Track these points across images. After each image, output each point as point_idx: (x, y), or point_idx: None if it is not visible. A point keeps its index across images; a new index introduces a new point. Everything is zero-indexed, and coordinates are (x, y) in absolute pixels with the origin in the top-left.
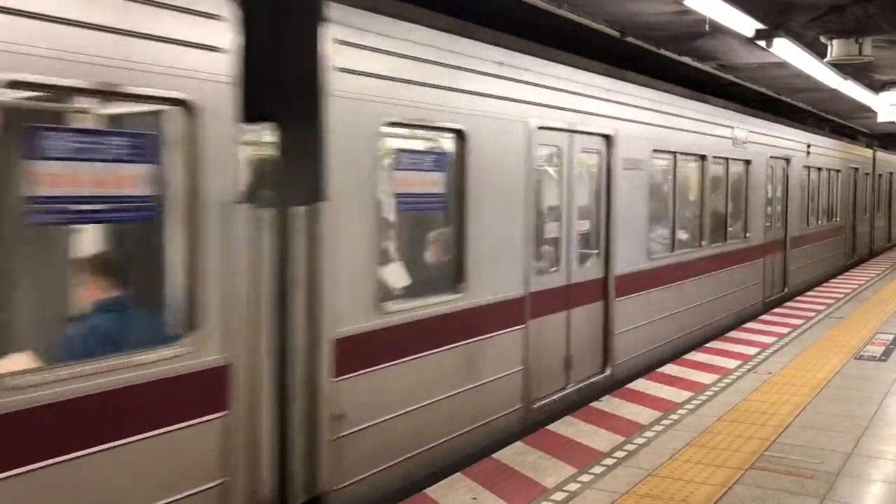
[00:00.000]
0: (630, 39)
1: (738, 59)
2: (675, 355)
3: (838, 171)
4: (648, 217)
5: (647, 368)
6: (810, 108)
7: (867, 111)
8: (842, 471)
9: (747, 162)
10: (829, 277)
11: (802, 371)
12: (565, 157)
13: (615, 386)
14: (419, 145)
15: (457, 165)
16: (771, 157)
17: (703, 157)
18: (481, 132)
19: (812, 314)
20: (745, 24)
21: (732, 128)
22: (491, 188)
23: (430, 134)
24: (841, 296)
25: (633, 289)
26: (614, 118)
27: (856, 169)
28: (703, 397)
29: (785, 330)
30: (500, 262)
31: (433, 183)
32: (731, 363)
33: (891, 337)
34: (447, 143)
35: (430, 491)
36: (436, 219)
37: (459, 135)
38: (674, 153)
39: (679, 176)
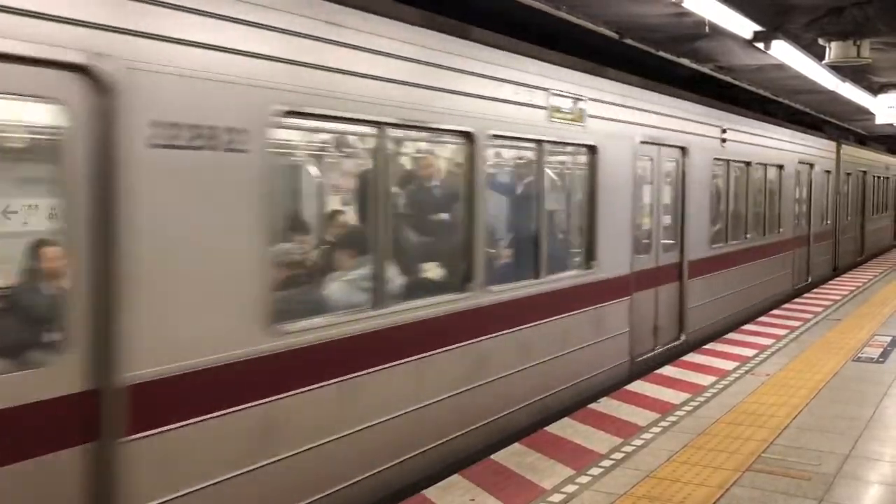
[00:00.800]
0: (628, 41)
1: (737, 60)
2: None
3: (780, 166)
4: (269, 241)
5: None
6: (808, 110)
7: (865, 113)
8: (839, 472)
9: (591, 149)
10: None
11: (800, 373)
12: None
13: None
14: None
15: None
16: (645, 142)
17: (468, 136)
18: None
19: (810, 316)
20: (744, 26)
21: (548, 91)
22: None
23: None
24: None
25: (191, 409)
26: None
27: (810, 165)
28: (702, 399)
29: (783, 332)
30: None
31: None
32: (730, 365)
33: (888, 339)
34: None
35: (428, 492)
36: None
37: None
38: (378, 124)
39: (398, 168)
